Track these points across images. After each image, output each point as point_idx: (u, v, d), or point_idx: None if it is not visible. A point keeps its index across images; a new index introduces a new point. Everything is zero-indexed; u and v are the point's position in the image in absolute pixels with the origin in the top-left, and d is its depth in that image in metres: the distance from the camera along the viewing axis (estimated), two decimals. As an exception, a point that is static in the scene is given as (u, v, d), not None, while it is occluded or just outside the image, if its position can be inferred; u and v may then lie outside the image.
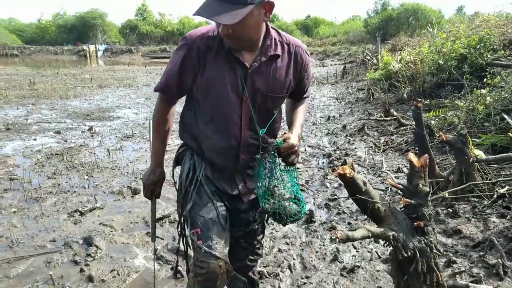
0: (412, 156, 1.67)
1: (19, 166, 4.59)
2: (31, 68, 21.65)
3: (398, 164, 4.43)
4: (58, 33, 43.42)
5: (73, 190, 3.86)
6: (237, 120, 1.47)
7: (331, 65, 24.13)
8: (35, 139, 5.84)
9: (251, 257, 1.83)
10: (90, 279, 2.42)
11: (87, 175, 4.27)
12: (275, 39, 1.44)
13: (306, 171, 4.40)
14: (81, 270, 2.52)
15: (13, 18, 51.04)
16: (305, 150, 5.21)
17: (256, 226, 1.74)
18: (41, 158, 4.88)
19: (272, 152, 1.45)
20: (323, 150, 5.23)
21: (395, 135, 5.55)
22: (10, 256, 2.66)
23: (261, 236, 1.82)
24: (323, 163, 4.71)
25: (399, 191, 3.58)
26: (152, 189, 1.70)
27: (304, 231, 3.04)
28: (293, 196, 1.50)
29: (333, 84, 13.08)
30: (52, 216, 3.29)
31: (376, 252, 2.64)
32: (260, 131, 1.50)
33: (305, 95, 1.71)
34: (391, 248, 1.65)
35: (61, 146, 5.46)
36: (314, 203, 3.57)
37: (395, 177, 3.94)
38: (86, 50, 34.15)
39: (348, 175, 1.55)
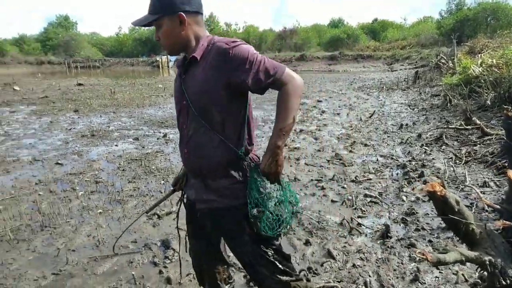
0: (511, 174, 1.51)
1: (103, 170, 4.98)
2: (111, 78, 23.59)
3: (484, 177, 4.06)
4: (134, 45, 46.93)
5: (151, 194, 4.09)
6: (182, 118, 1.60)
7: (400, 69, 23.05)
8: (116, 145, 6.32)
9: None
10: (168, 281, 2.53)
11: (163, 180, 4.50)
12: (203, 44, 1.50)
13: (379, 182, 4.21)
14: (160, 272, 2.64)
15: (95, 33, 56.21)
16: (377, 160, 5.01)
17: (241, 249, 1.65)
18: (122, 163, 5.26)
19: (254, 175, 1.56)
20: (397, 160, 4.97)
21: (479, 146, 5.10)
22: (97, 255, 2.88)
23: (268, 271, 1.61)
24: (397, 174, 4.47)
25: (489, 209, 3.27)
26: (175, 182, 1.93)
27: (380, 247, 2.90)
28: (275, 213, 1.54)
29: (404, 90, 12.46)
30: (133, 218, 3.51)
31: (463, 275, 2.42)
32: (239, 151, 1.54)
33: (267, 83, 1.42)
34: (483, 272, 1.50)
35: (139, 152, 5.84)
36: (389, 217, 3.40)
37: (481, 192, 3.61)
38: (158, 61, 36.44)
39: (439, 193, 1.44)
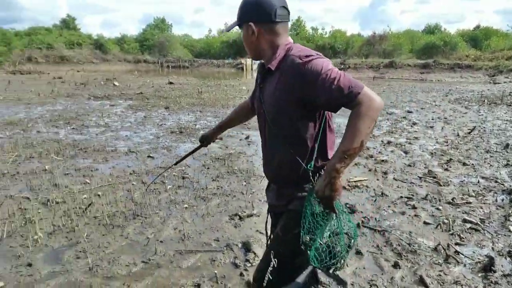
0: None
1: (189, 166, 5.21)
2: (198, 78, 24.88)
3: None
4: (221, 48, 48.96)
5: (233, 194, 4.16)
6: (260, 125, 1.66)
7: (505, 82, 20.73)
8: (202, 143, 6.57)
9: None
10: (248, 285, 2.51)
11: (245, 181, 4.55)
12: (280, 54, 1.48)
13: (481, 207, 3.76)
14: (241, 274, 2.64)
15: (187, 35, 59.84)
16: (478, 182, 4.49)
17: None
18: (207, 161, 5.45)
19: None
20: (502, 184, 4.41)
21: None
22: (182, 248, 2.99)
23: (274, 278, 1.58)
24: (502, 200, 3.96)
25: None
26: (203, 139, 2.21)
27: (482, 281, 2.56)
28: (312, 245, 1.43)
29: (510, 106, 11.13)
30: (216, 216, 3.59)
31: None
32: (308, 165, 1.48)
33: (340, 102, 1.33)
34: None
35: (222, 151, 6.00)
36: (493, 248, 3.00)
37: None
38: (243, 64, 37.53)
39: None
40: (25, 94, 13.87)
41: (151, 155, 5.75)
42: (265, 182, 4.47)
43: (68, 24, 47.77)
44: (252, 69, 37.14)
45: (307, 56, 1.38)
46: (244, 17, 1.51)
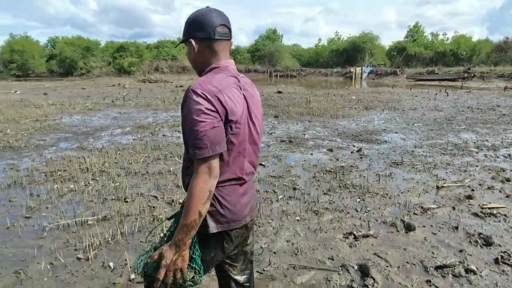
0: None
1: (299, 177, 5.18)
2: (306, 88, 24.92)
3: None
4: (330, 56, 48.47)
5: (347, 210, 3.98)
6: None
7: None
8: (311, 154, 6.50)
9: None
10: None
11: (358, 198, 4.33)
12: (205, 74, 1.50)
13: None
14: (358, 301, 2.47)
15: (296, 45, 60.70)
16: None
17: None
18: (317, 173, 5.35)
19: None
20: None
21: None
22: (295, 263, 2.94)
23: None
24: None
25: None
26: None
27: None
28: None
29: None
30: (329, 233, 3.46)
31: None
32: None
33: (190, 155, 1.37)
34: None
35: (333, 164, 5.84)
36: None
37: None
38: (352, 72, 36.51)
39: None
40: (153, 100, 15.62)
41: (262, 163, 5.89)
42: (380, 200, 4.15)
43: (189, 37, 52.52)
44: (361, 77, 35.90)
45: (193, 90, 1.35)
46: (187, 33, 1.52)
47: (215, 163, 1.34)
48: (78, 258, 3.06)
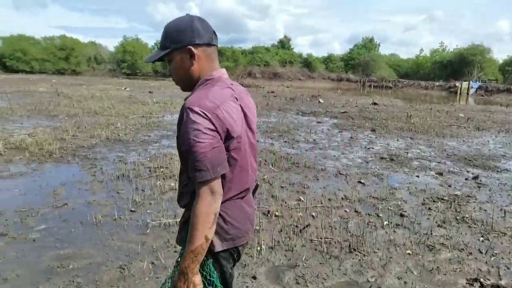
0: None
1: (406, 201, 4.66)
2: (404, 100, 23.34)
3: None
4: (432, 68, 45.00)
5: (468, 250, 3.40)
6: None
7: None
8: (417, 176, 5.87)
9: None
10: None
11: (481, 236, 3.70)
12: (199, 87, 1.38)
13: None
14: None
15: (394, 54, 57.65)
16: None
17: None
18: (426, 199, 4.76)
19: None
20: None
21: None
22: (410, 307, 2.54)
23: None
24: None
25: None
26: None
27: None
28: None
29: None
30: (449, 275, 2.96)
31: None
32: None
33: (191, 177, 1.27)
34: None
35: (445, 190, 5.16)
36: None
37: None
38: (457, 87, 33.33)
39: None
40: (246, 104, 15.93)
41: (361, 180, 5.47)
42: (510, 243, 3.48)
43: (284, 44, 53.31)
44: (468, 93, 32.58)
45: (188, 109, 1.23)
46: (180, 41, 1.34)
47: (218, 184, 1.26)
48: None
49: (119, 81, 32.49)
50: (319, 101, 19.30)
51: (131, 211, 4.07)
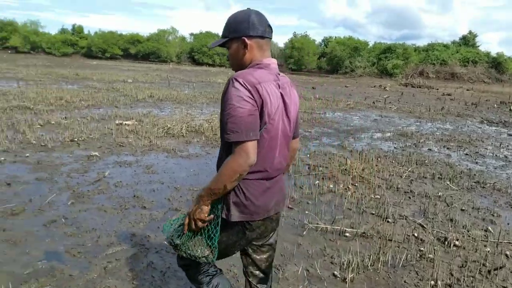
0: None
1: None
2: None
3: None
4: None
5: None
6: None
7: None
8: None
9: None
10: None
11: None
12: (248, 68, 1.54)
13: None
14: None
15: None
16: None
17: None
18: None
19: None
20: None
21: None
22: None
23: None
24: None
25: None
26: None
27: None
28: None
29: None
30: None
31: None
32: None
33: (226, 137, 1.40)
34: None
35: None
36: None
37: None
38: None
39: None
40: (416, 107, 14.40)
41: None
42: None
43: (467, 40, 46.49)
44: None
45: (235, 78, 1.40)
46: (236, 32, 1.52)
47: (251, 149, 1.37)
48: (334, 275, 2.76)
49: (285, 76, 34.03)
50: (510, 109, 16.01)
51: (289, 207, 3.97)
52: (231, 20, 1.55)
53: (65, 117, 7.90)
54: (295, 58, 46.12)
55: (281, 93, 1.51)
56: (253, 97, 1.39)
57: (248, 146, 1.37)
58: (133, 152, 5.71)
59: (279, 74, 1.55)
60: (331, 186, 4.68)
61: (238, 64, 1.58)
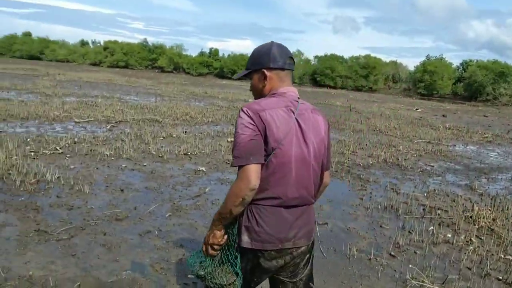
0: None
1: None
2: None
3: None
4: None
5: None
6: None
7: None
8: None
9: None
10: None
11: None
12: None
13: None
14: None
15: None
16: None
17: None
18: None
19: None
20: None
21: None
22: None
23: None
24: None
25: None
26: None
27: None
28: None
29: None
30: None
31: None
32: None
33: (231, 162, 1.48)
34: None
35: None
36: None
37: None
38: None
39: None
40: None
41: None
42: None
43: None
44: None
45: (240, 110, 1.47)
46: (258, 64, 1.59)
47: (252, 173, 1.38)
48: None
49: (411, 101, 31.54)
50: None
51: (391, 255, 3.43)
52: (254, 53, 1.63)
53: (185, 131, 8.57)
54: (426, 82, 42.57)
55: (296, 118, 1.50)
56: (255, 123, 1.42)
57: (249, 169, 1.38)
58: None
59: (296, 101, 1.55)
60: (449, 235, 3.92)
61: (259, 94, 1.64)
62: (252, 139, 1.40)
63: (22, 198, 3.99)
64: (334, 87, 45.73)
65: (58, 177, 4.65)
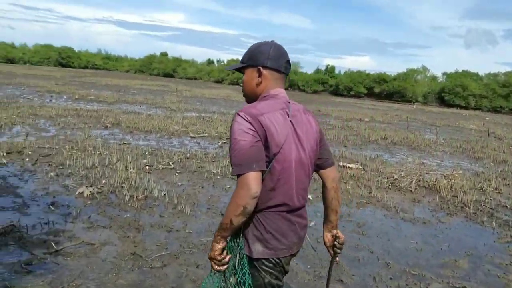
0: None
1: None
2: None
3: None
4: None
5: None
6: None
7: None
8: None
9: None
10: None
11: None
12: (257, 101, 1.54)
13: None
14: None
15: None
16: None
17: None
18: None
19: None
20: None
21: None
22: None
23: None
24: None
25: None
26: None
27: None
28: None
29: None
30: None
31: None
32: None
33: (231, 171, 1.39)
34: None
35: None
36: None
37: None
38: None
39: None
40: None
41: None
42: None
43: None
44: None
45: (236, 114, 1.40)
46: (255, 60, 1.52)
47: (253, 180, 1.31)
48: None
49: None
50: None
51: None
52: (252, 48, 1.56)
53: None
54: None
55: (291, 121, 1.46)
56: (255, 128, 1.36)
57: (249, 177, 1.31)
58: (347, 203, 5.11)
59: (289, 102, 1.52)
60: None
61: (251, 91, 1.56)
62: (253, 145, 1.34)
63: (128, 215, 4.01)
64: (466, 108, 40.63)
65: (164, 194, 4.65)
